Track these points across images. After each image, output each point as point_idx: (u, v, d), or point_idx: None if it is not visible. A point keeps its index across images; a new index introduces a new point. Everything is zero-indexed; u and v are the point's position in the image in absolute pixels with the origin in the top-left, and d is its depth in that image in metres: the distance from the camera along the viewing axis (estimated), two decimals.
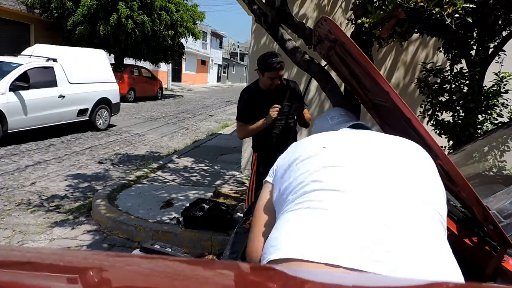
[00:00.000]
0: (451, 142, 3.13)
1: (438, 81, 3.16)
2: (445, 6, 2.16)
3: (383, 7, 2.38)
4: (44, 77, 7.28)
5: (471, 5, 2.21)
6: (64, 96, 7.55)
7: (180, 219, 3.44)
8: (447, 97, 3.11)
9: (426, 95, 3.23)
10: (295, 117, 2.93)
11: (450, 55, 3.13)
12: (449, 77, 3.12)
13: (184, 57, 21.62)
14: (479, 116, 3.01)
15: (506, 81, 3.02)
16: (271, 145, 2.85)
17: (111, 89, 9.12)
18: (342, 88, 3.21)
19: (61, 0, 13.99)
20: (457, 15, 2.20)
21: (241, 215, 3.17)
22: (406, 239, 0.77)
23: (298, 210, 0.87)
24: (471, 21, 2.29)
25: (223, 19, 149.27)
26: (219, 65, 44.09)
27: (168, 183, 4.83)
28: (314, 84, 4.22)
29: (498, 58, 2.97)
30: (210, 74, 40.60)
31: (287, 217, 0.87)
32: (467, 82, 3.00)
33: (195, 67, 35.68)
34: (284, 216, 0.89)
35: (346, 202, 0.84)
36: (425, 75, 3.25)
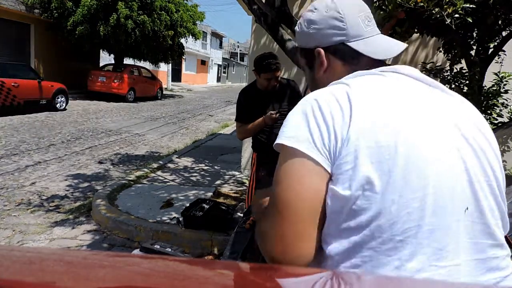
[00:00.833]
0: None
1: (438, 81, 3.17)
2: (445, 6, 2.16)
3: (383, 7, 2.38)
4: None
5: (471, 5, 2.21)
6: None
7: (180, 219, 3.44)
8: None
9: None
10: None
11: (450, 55, 3.13)
12: (449, 77, 3.12)
13: (184, 57, 21.62)
14: None
15: (506, 81, 3.02)
16: (271, 145, 2.85)
17: None
18: None
19: (61, 0, 13.98)
20: (457, 15, 2.20)
21: (241, 215, 3.18)
22: None
23: None
24: (471, 21, 2.29)
25: (223, 19, 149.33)
26: (219, 65, 44.09)
27: (168, 183, 4.83)
28: None
29: (498, 58, 2.97)
30: (210, 74, 40.60)
31: None
32: (467, 82, 3.00)
33: (195, 67, 35.68)
34: None
35: None
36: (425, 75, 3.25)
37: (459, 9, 2.17)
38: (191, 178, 5.17)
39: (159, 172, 5.29)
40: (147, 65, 19.22)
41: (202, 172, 5.51)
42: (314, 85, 0.92)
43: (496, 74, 3.04)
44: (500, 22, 2.74)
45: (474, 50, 2.97)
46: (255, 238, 0.86)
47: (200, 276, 0.39)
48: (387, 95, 0.73)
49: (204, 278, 0.38)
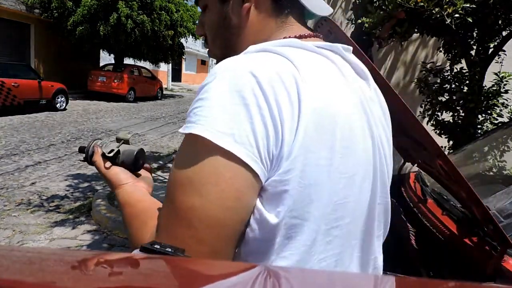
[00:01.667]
0: (451, 142, 3.14)
1: (438, 81, 3.16)
2: (445, 6, 2.16)
3: (383, 7, 2.38)
4: None
5: (471, 5, 2.21)
6: None
7: None
8: (447, 97, 3.11)
9: (426, 95, 3.23)
10: None
11: (450, 55, 3.13)
12: (449, 77, 3.12)
13: (184, 57, 21.61)
14: (479, 116, 3.02)
15: (506, 81, 3.02)
16: None
17: None
18: None
19: (62, 0, 13.98)
20: (457, 15, 2.20)
21: None
22: None
23: None
24: (471, 21, 2.29)
25: None
26: None
27: None
28: None
29: (498, 58, 2.97)
30: None
31: None
32: (467, 82, 3.00)
33: (195, 67, 35.67)
34: None
35: None
36: (425, 75, 3.25)
37: (459, 9, 2.17)
38: None
39: (159, 172, 5.29)
40: (147, 65, 19.22)
41: None
42: (223, 29, 0.67)
43: (496, 74, 3.04)
44: (500, 22, 2.74)
45: (474, 50, 2.97)
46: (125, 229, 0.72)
47: (200, 276, 0.39)
48: (340, 103, 0.56)
49: (204, 278, 0.38)
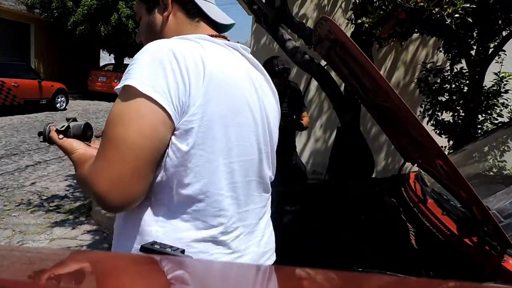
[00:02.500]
0: (451, 142, 3.14)
1: (438, 81, 3.16)
2: (445, 6, 2.16)
3: (383, 7, 2.38)
4: None
5: (471, 5, 2.21)
6: None
7: None
8: (447, 97, 3.11)
9: (426, 95, 3.23)
10: (294, 116, 2.92)
11: (450, 55, 3.13)
12: (449, 77, 3.12)
13: None
14: (479, 116, 3.02)
15: (506, 81, 3.02)
16: None
17: None
18: (342, 88, 3.21)
19: (62, 0, 13.97)
20: (457, 15, 2.20)
21: None
22: None
23: None
24: (471, 21, 2.29)
25: None
26: None
27: None
28: (314, 84, 4.22)
29: (498, 58, 2.97)
30: None
31: None
32: (467, 82, 3.00)
33: None
34: None
35: None
36: (425, 75, 3.25)
37: (459, 9, 2.17)
38: None
39: None
40: None
41: None
42: (152, 33, 0.90)
43: (496, 74, 3.04)
44: (500, 22, 2.74)
45: (474, 50, 2.97)
46: (79, 185, 0.90)
47: (200, 276, 0.39)
48: (234, 73, 0.81)
49: (204, 277, 0.38)
